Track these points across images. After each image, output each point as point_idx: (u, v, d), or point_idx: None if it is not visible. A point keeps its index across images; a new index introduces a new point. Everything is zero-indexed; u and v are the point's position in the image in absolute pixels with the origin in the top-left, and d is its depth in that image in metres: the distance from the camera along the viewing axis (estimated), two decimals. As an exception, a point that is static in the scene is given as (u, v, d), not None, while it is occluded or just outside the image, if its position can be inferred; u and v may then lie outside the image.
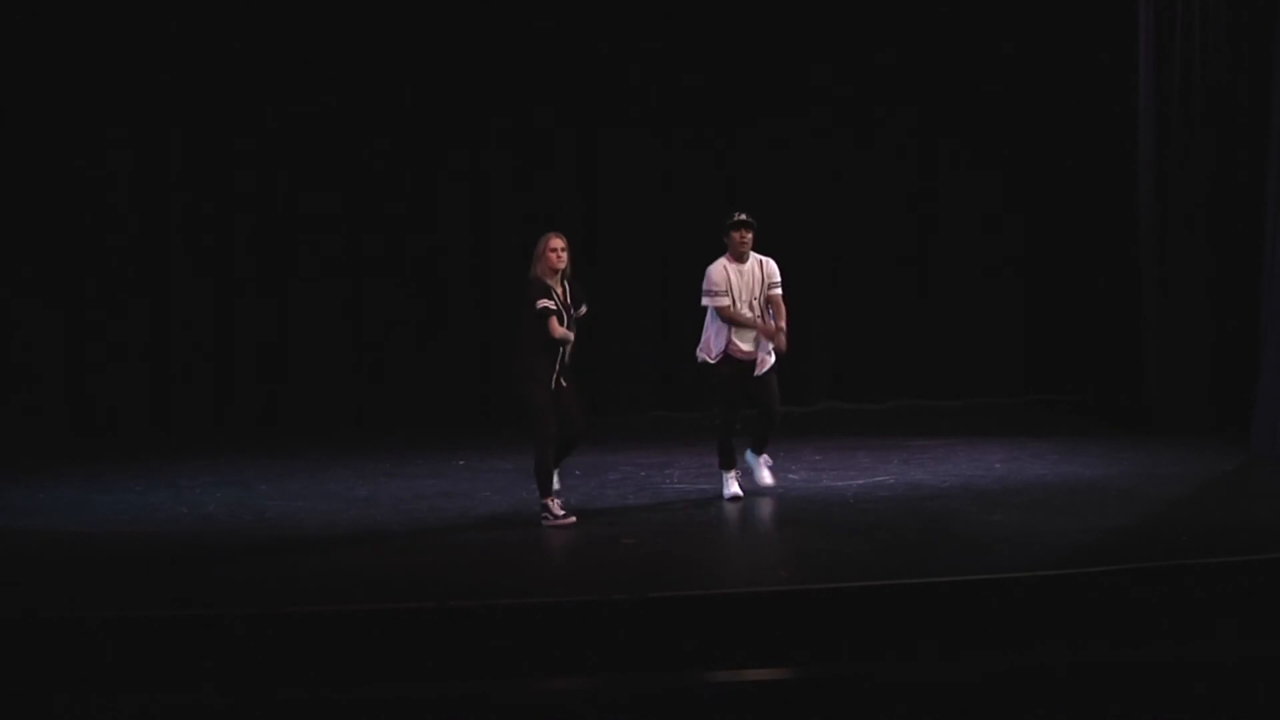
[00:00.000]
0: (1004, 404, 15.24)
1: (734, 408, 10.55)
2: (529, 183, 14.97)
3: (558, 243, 10.04)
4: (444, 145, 14.87)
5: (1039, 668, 7.45)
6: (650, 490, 11.22)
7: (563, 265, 10.04)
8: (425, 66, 14.72)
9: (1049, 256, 15.37)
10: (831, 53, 15.12)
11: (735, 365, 10.49)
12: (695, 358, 10.64)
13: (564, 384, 10.08)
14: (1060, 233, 15.28)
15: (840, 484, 11.24)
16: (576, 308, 10.16)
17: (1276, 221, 12.04)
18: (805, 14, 15.03)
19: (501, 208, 14.94)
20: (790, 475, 11.48)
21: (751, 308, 10.46)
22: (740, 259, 10.46)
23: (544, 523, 9.92)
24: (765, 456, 10.83)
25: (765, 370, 10.53)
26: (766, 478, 10.77)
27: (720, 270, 10.45)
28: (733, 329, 10.43)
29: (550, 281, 10.04)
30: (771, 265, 10.52)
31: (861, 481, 11.31)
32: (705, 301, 10.49)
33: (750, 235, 10.44)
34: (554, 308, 9.94)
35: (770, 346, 10.48)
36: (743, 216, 10.44)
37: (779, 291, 10.50)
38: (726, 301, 10.41)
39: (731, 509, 10.44)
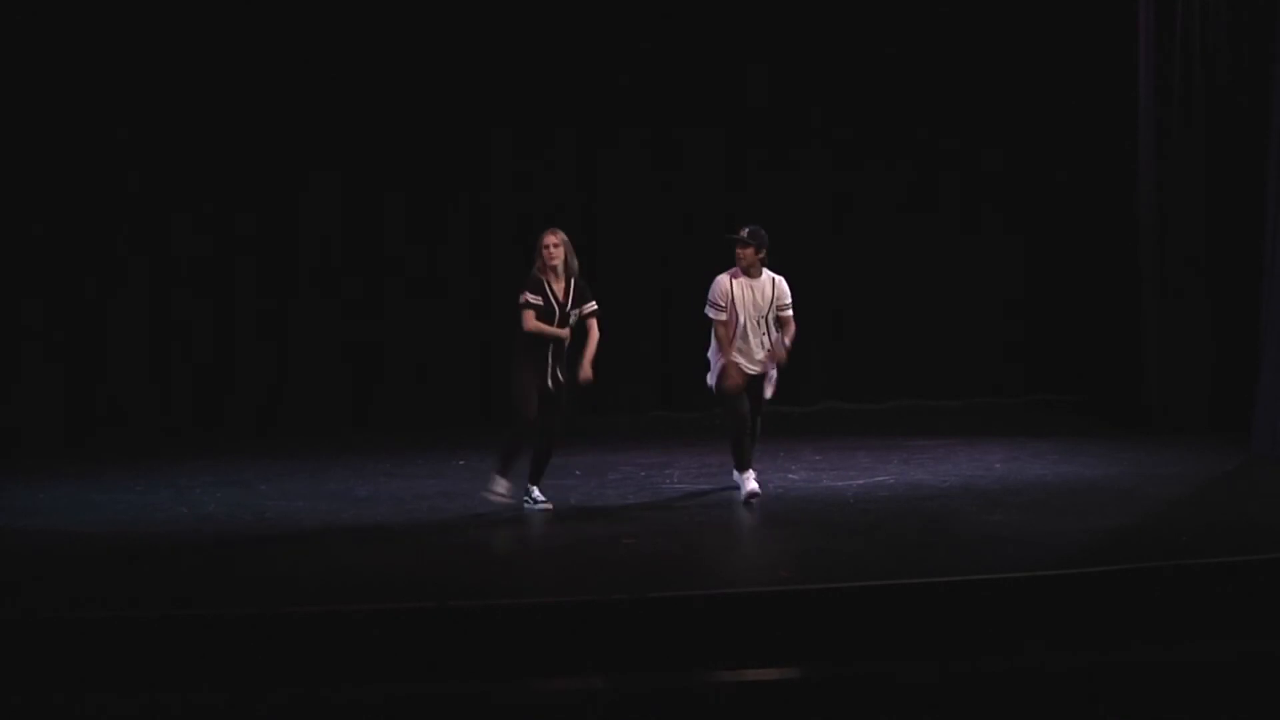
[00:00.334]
0: (1004, 404, 15.24)
1: (742, 413, 10.45)
2: (529, 182, 14.97)
3: (550, 239, 10.14)
4: (444, 146, 14.86)
5: (1038, 668, 7.45)
6: (650, 490, 11.22)
7: (555, 262, 10.11)
8: (425, 67, 14.71)
9: (1049, 256, 15.37)
10: (831, 53, 15.12)
11: (738, 371, 10.44)
12: (707, 383, 10.62)
13: (560, 379, 10.14)
14: (1060, 233, 15.28)
15: (840, 484, 11.24)
16: (576, 306, 10.18)
17: (1276, 221, 12.05)
18: (805, 14, 15.02)
19: (501, 208, 14.93)
20: (790, 475, 11.48)
21: (760, 325, 10.40)
22: (749, 274, 10.40)
23: (483, 493, 10.24)
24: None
25: (767, 387, 10.52)
26: (754, 483, 10.51)
27: (725, 283, 10.40)
28: (734, 340, 10.36)
29: (547, 278, 10.12)
30: (784, 286, 10.46)
31: (861, 481, 11.31)
32: (707, 312, 10.45)
33: (749, 252, 10.34)
34: (535, 302, 10.05)
35: (774, 365, 10.45)
36: (742, 234, 10.38)
37: (790, 313, 10.47)
38: (724, 318, 10.36)
39: (732, 509, 10.41)
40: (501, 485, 10.25)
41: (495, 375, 13.83)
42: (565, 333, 10.19)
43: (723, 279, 10.42)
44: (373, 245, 14.87)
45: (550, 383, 10.17)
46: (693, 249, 14.46)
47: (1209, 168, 13.10)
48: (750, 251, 10.37)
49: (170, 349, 14.54)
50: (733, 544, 9.91)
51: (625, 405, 14.93)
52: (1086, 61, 14.77)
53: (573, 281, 10.20)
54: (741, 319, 10.38)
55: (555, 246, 10.11)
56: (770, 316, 10.45)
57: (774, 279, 10.47)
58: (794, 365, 11.04)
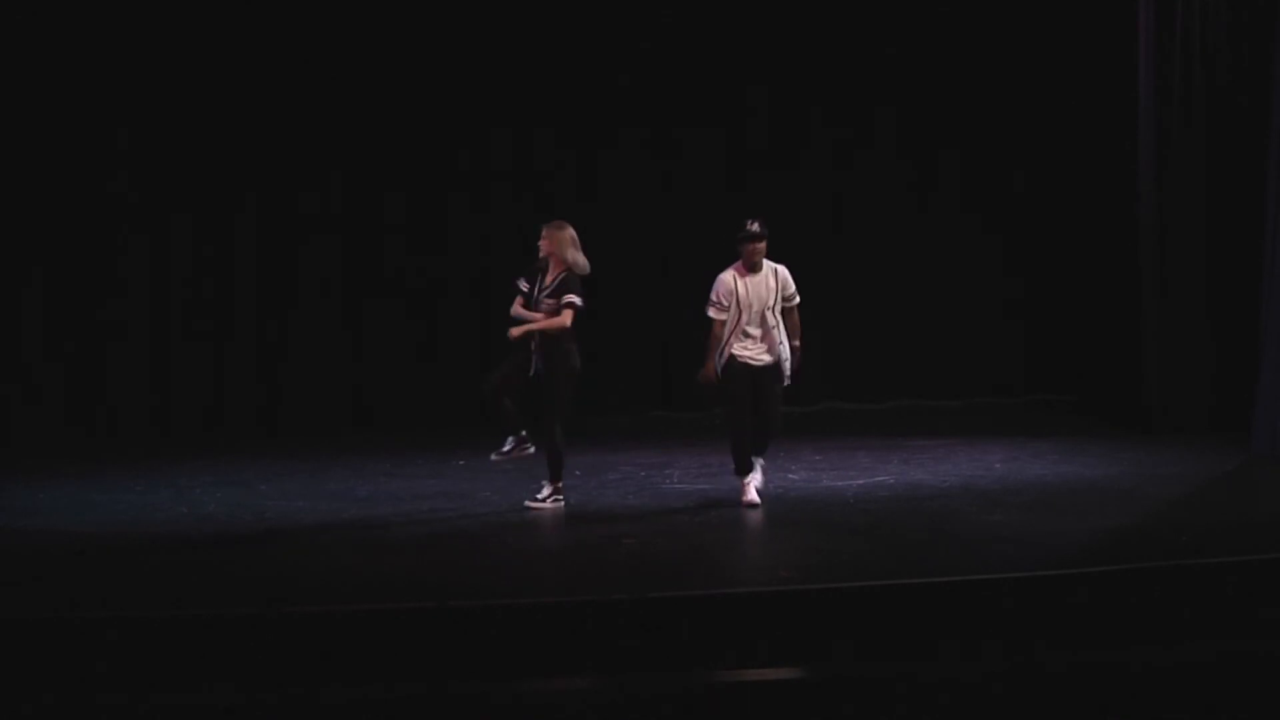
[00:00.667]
0: (1004, 404, 15.25)
1: (743, 412, 10.34)
2: (529, 182, 14.97)
3: (542, 231, 10.48)
4: (445, 146, 14.87)
5: (1039, 668, 7.45)
6: (650, 490, 11.22)
7: (543, 254, 10.43)
8: (425, 68, 14.71)
9: (1049, 256, 15.38)
10: (832, 53, 15.12)
11: (741, 370, 10.29)
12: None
13: (538, 373, 10.32)
14: (1060, 233, 15.29)
15: (840, 484, 11.24)
16: (554, 295, 10.31)
17: (1276, 221, 12.05)
18: (805, 14, 15.03)
19: (501, 208, 14.93)
20: (790, 475, 11.48)
21: (764, 319, 10.29)
22: (753, 269, 10.27)
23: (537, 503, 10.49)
24: (757, 473, 10.51)
25: (781, 379, 10.37)
26: (753, 492, 10.42)
27: (729, 281, 10.22)
28: (734, 339, 10.25)
29: (540, 267, 10.44)
30: (785, 275, 10.31)
31: (861, 481, 11.31)
32: (709, 311, 10.28)
33: (763, 245, 10.18)
34: (523, 289, 10.42)
35: (787, 355, 10.33)
36: (754, 229, 10.18)
37: (794, 304, 10.33)
38: (723, 318, 10.22)
39: (732, 509, 10.38)
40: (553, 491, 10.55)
41: (488, 385, 13.82)
42: (532, 320, 10.27)
43: (727, 278, 10.25)
44: (373, 245, 14.88)
45: (534, 372, 10.39)
46: (692, 249, 14.46)
47: (1209, 168, 13.10)
48: (764, 245, 10.20)
49: (170, 349, 14.53)
50: (733, 544, 9.90)
51: (625, 405, 14.93)
52: (1086, 61, 14.77)
53: (564, 274, 10.32)
54: (744, 316, 10.23)
55: (540, 240, 10.42)
56: (776, 307, 10.29)
57: (775, 269, 10.29)
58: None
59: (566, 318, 10.26)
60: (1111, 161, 14.47)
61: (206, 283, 14.61)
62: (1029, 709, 6.97)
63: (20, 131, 14.10)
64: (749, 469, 10.45)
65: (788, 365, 10.38)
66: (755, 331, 10.28)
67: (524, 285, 10.41)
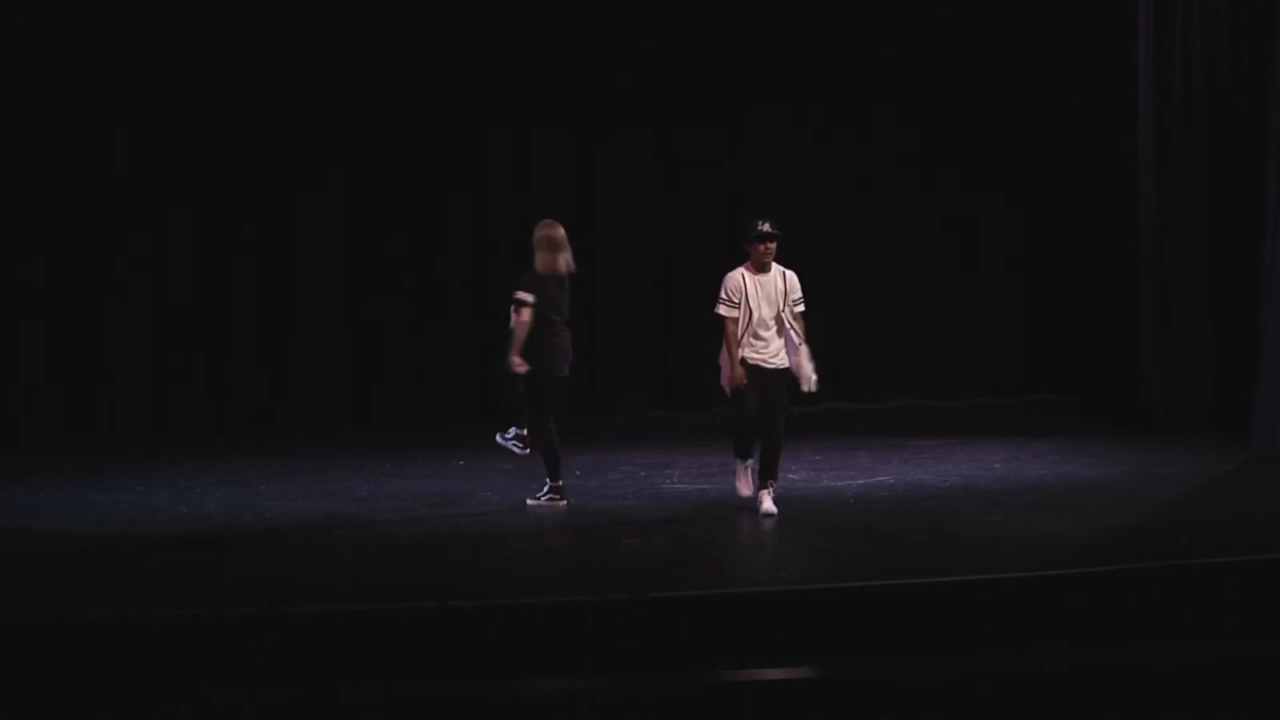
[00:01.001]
0: (1004, 404, 15.25)
1: (750, 413, 10.20)
2: (529, 182, 14.96)
3: None
4: (444, 146, 14.87)
5: (1039, 668, 7.45)
6: (650, 490, 11.22)
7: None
8: (425, 68, 14.71)
9: (1049, 256, 15.38)
10: (832, 53, 15.12)
11: (751, 372, 10.13)
12: (721, 385, 10.40)
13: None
14: (1060, 233, 15.29)
15: (840, 484, 11.25)
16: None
17: (1276, 222, 12.06)
18: (805, 14, 15.03)
19: (501, 208, 14.93)
20: (790, 475, 11.47)
21: (776, 321, 10.18)
22: (762, 269, 10.17)
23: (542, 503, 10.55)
24: (769, 492, 10.26)
25: (807, 373, 10.22)
26: (769, 501, 10.20)
27: (738, 279, 10.14)
28: (745, 339, 10.14)
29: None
30: (794, 280, 10.21)
31: (861, 481, 11.31)
32: (719, 309, 10.17)
33: (774, 247, 10.10)
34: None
35: (803, 359, 10.19)
36: (767, 228, 10.07)
37: (801, 309, 10.23)
38: (735, 314, 10.09)
39: (732, 509, 10.38)
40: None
41: (495, 375, 13.83)
42: (515, 343, 10.31)
43: (735, 275, 10.16)
44: (373, 245, 14.87)
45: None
46: (693, 249, 14.46)
47: (1209, 167, 13.11)
48: (775, 246, 10.10)
49: (170, 349, 14.53)
50: (732, 544, 9.91)
51: (625, 405, 14.93)
52: (1087, 61, 14.77)
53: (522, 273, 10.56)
54: (755, 315, 10.13)
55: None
56: (785, 311, 10.19)
57: (783, 273, 10.21)
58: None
59: (524, 316, 10.26)
60: (1111, 161, 14.47)
61: (207, 282, 14.60)
62: (1029, 709, 6.96)
63: (20, 131, 14.08)
64: (749, 455, 10.29)
65: (811, 366, 10.21)
66: (766, 334, 10.17)
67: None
